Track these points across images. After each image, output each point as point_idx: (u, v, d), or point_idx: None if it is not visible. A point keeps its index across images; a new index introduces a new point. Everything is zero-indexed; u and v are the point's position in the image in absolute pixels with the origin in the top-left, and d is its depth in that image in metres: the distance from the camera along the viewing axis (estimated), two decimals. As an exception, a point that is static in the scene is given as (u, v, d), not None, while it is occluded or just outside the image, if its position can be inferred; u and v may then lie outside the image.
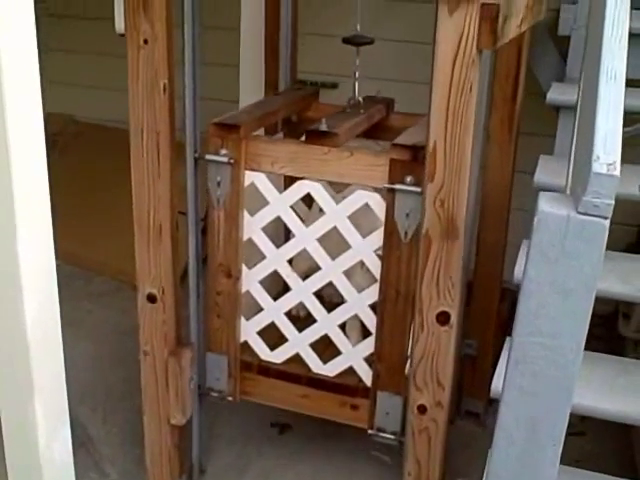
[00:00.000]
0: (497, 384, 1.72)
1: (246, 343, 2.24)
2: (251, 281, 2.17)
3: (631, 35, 1.46)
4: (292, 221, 2.09)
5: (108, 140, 3.90)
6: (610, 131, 1.26)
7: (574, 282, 1.24)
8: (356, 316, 2.12)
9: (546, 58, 2.55)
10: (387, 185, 1.91)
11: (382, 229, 1.96)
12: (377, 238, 1.99)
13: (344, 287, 2.09)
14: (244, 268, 2.15)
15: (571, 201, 1.26)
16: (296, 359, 2.21)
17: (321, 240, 2.08)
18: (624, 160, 1.24)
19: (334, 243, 2.09)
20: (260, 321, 2.21)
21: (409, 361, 2.00)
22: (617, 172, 1.20)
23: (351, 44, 2.28)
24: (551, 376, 1.33)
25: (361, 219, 2.04)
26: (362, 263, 2.07)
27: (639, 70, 1.67)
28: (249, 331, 2.22)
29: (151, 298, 2.12)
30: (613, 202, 1.20)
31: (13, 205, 1.62)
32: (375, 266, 2.02)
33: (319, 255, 2.08)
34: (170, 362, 2.16)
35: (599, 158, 1.22)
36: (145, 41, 1.90)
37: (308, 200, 2.17)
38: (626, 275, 1.92)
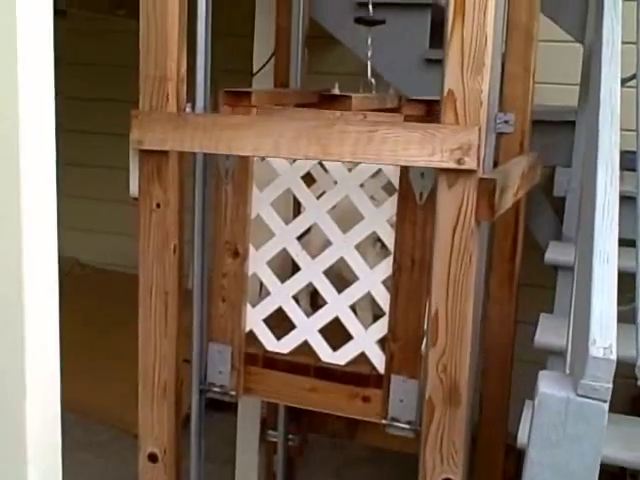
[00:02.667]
0: None
1: (250, 334, 2.11)
2: (258, 262, 2.07)
3: (622, 197, 1.52)
4: (303, 193, 2.02)
5: (113, 284, 3.98)
6: (605, 313, 1.30)
7: (576, 465, 1.25)
8: (368, 296, 2.01)
9: (542, 217, 2.64)
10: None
11: (395, 196, 1.90)
12: (391, 206, 1.92)
13: (356, 263, 1.98)
14: (251, 249, 2.06)
15: (570, 382, 1.28)
16: (304, 349, 2.08)
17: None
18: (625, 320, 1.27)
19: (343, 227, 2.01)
20: (267, 307, 2.09)
21: (425, 340, 1.88)
22: (614, 355, 1.23)
23: (363, 24, 2.32)
24: None
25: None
26: (374, 242, 1.99)
27: (629, 230, 1.73)
28: (255, 319, 2.10)
29: (152, 458, 2.09)
30: (611, 385, 1.22)
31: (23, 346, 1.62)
32: (388, 237, 1.94)
33: (330, 229, 2.00)
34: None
35: (595, 342, 1.25)
36: (157, 205, 1.98)
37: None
38: (632, 441, 1.91)
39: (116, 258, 3.83)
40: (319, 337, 2.05)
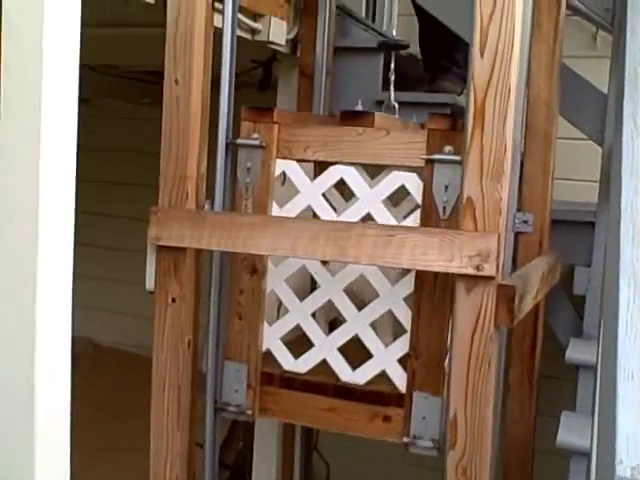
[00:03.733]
0: None
1: (267, 353, 2.06)
2: (276, 279, 2.04)
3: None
4: (324, 210, 1.98)
5: (128, 366, 3.94)
6: (631, 432, 1.25)
7: None
8: (388, 313, 1.97)
9: (563, 314, 2.62)
10: (425, 156, 1.85)
11: (419, 211, 1.88)
12: (414, 220, 1.90)
13: (377, 279, 1.93)
14: (270, 265, 2.03)
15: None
16: (322, 368, 2.02)
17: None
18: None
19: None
20: (284, 325, 2.05)
21: (448, 355, 1.82)
22: (640, 477, 1.18)
23: (386, 49, 2.35)
24: None
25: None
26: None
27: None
28: (272, 337, 2.05)
29: None
30: (639, 505, 1.17)
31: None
32: None
33: None
34: None
35: (622, 462, 1.21)
36: (173, 300, 1.98)
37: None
38: None
39: (132, 339, 3.81)
40: (338, 356, 2.00)
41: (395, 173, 1.92)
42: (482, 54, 1.69)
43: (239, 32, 2.16)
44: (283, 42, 2.57)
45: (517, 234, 2.19)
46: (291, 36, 2.64)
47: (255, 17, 2.42)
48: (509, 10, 1.67)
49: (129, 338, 3.95)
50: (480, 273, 1.67)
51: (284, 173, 2.02)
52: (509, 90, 1.68)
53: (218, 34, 2.02)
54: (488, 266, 1.66)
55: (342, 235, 1.78)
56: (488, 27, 1.68)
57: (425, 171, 1.86)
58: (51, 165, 1.58)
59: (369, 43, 2.76)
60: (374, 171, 2.02)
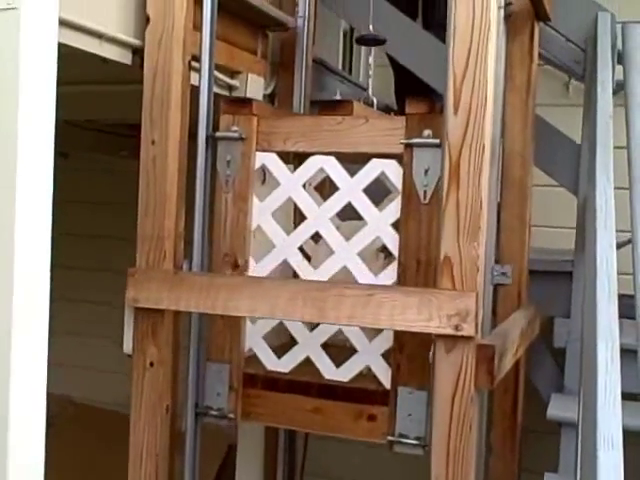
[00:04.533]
0: None
1: (250, 356, 2.01)
2: (258, 275, 1.98)
3: (622, 350, 1.50)
4: (304, 201, 1.96)
5: (106, 425, 3.85)
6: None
7: None
8: None
9: (543, 368, 2.62)
10: (404, 141, 1.83)
11: (399, 198, 1.85)
12: (394, 209, 1.87)
13: (360, 271, 1.89)
14: (251, 261, 1.99)
15: None
16: (305, 370, 1.98)
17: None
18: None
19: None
20: (267, 323, 2.00)
21: (433, 347, 1.77)
22: None
23: (363, 44, 2.41)
24: None
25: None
26: (377, 253, 1.96)
27: (632, 383, 1.69)
28: (254, 336, 2.00)
29: None
30: None
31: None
32: (393, 242, 1.87)
33: (333, 237, 1.93)
34: None
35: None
36: (151, 364, 1.95)
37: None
38: None
39: (111, 396, 3.75)
40: (322, 353, 1.95)
41: (375, 160, 1.90)
42: (456, 111, 1.71)
43: (216, 89, 2.17)
44: (260, 97, 2.58)
45: (496, 286, 2.20)
46: (268, 91, 2.65)
47: (232, 74, 2.43)
48: (481, 68, 1.69)
49: (109, 396, 3.88)
50: (459, 333, 1.66)
51: (264, 166, 2.00)
52: (483, 147, 1.70)
53: (195, 90, 2.02)
54: (467, 326, 1.66)
55: (320, 295, 1.77)
56: (461, 85, 1.70)
57: (405, 156, 1.85)
58: (26, 220, 1.54)
59: (345, 97, 2.78)
60: (354, 170, 1.98)
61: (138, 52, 1.99)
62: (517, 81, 2.39)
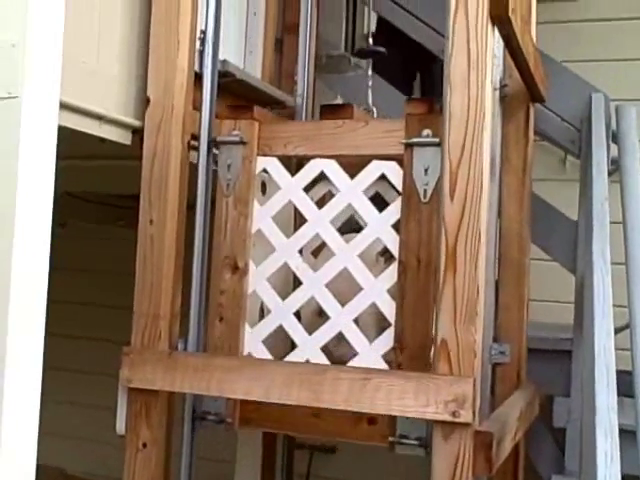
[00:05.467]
0: None
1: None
2: (258, 279, 1.98)
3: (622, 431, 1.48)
4: (305, 204, 1.97)
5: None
6: None
7: None
8: (372, 308, 1.90)
9: (543, 448, 2.58)
10: (404, 140, 1.85)
11: (399, 199, 1.87)
12: (395, 210, 1.88)
13: (360, 273, 1.89)
14: (251, 265, 1.98)
15: None
16: None
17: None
18: None
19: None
20: (266, 327, 1.98)
21: (433, 346, 1.74)
22: None
23: (362, 56, 2.49)
24: None
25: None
26: (377, 257, 1.97)
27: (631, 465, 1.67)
28: (254, 341, 1.97)
29: None
30: None
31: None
32: (393, 243, 1.88)
33: (333, 239, 1.93)
34: None
35: None
36: (144, 445, 1.92)
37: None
38: None
39: (105, 469, 3.67)
40: (322, 355, 1.92)
41: (375, 162, 1.92)
42: (452, 198, 1.72)
43: (214, 166, 2.18)
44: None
45: (495, 365, 2.18)
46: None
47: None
48: (477, 156, 1.71)
49: (102, 467, 3.80)
50: (457, 420, 1.64)
51: (265, 170, 2.02)
52: (479, 233, 1.70)
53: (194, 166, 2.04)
54: (464, 412, 1.63)
55: (316, 379, 1.75)
56: (457, 172, 1.72)
57: (405, 156, 1.86)
58: (22, 287, 1.54)
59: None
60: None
61: (138, 132, 2.01)
62: (513, 162, 2.41)
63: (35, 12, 1.46)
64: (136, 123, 1.99)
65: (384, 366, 1.86)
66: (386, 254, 1.98)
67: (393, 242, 1.89)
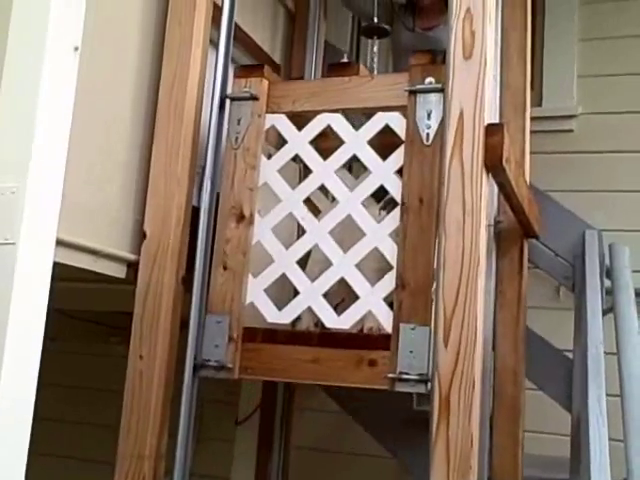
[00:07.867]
0: None
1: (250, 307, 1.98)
2: (263, 229, 2.02)
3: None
4: (311, 156, 2.04)
5: None
6: None
7: None
8: (373, 252, 1.92)
9: None
10: (408, 88, 1.92)
11: (402, 147, 1.91)
12: (398, 157, 1.93)
13: (363, 218, 1.95)
14: (256, 216, 2.03)
15: None
16: None
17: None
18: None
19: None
20: (269, 276, 2.00)
21: (434, 284, 1.76)
22: None
23: (367, 35, 2.62)
24: None
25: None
26: (379, 210, 2.04)
27: None
28: (256, 290, 1.99)
29: None
30: None
31: None
32: (396, 189, 1.91)
33: (337, 188, 2.00)
34: None
35: None
36: None
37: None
38: None
39: None
40: (323, 302, 1.94)
41: (380, 114, 1.99)
42: (446, 345, 1.70)
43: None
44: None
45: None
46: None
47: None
48: (471, 304, 1.71)
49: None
50: None
51: (273, 127, 2.09)
52: (473, 382, 1.67)
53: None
54: None
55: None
56: (451, 320, 1.71)
57: (408, 104, 1.92)
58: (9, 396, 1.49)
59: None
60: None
61: (132, 265, 2.01)
62: (507, 296, 2.42)
63: (38, 159, 1.49)
64: (131, 257, 1.99)
65: (386, 310, 1.87)
66: (388, 206, 2.04)
67: (396, 188, 1.94)
